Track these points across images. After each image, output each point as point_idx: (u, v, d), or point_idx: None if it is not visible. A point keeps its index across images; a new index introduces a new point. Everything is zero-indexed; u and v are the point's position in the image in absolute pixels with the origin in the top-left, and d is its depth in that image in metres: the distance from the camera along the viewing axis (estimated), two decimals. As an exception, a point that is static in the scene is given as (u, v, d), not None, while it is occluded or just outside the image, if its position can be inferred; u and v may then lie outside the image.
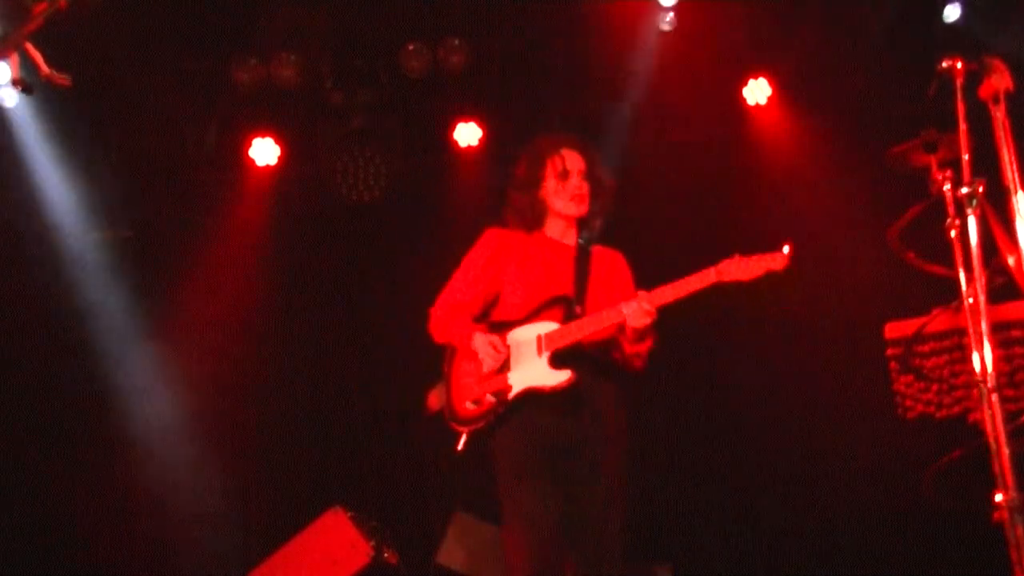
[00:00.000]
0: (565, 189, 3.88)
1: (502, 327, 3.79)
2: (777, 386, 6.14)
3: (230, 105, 6.28)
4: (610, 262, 3.97)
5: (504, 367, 3.70)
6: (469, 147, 6.27)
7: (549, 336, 3.69)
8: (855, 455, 5.90)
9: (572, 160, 3.92)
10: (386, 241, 6.57)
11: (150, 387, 6.34)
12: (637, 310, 3.58)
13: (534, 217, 3.92)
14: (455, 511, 5.49)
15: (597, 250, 3.98)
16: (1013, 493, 2.79)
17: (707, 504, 6.19)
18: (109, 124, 6.22)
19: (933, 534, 5.53)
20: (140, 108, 6.19)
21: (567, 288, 3.82)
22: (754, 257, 3.60)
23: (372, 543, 4.99)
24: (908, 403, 4.36)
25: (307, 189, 6.52)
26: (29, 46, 2.39)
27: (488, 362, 3.70)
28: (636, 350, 3.73)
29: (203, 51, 6.09)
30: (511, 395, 3.66)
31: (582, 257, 3.92)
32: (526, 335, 3.73)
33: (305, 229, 6.60)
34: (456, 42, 6.05)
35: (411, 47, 6.07)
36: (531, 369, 3.68)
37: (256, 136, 6.30)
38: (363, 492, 6.19)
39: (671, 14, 5.86)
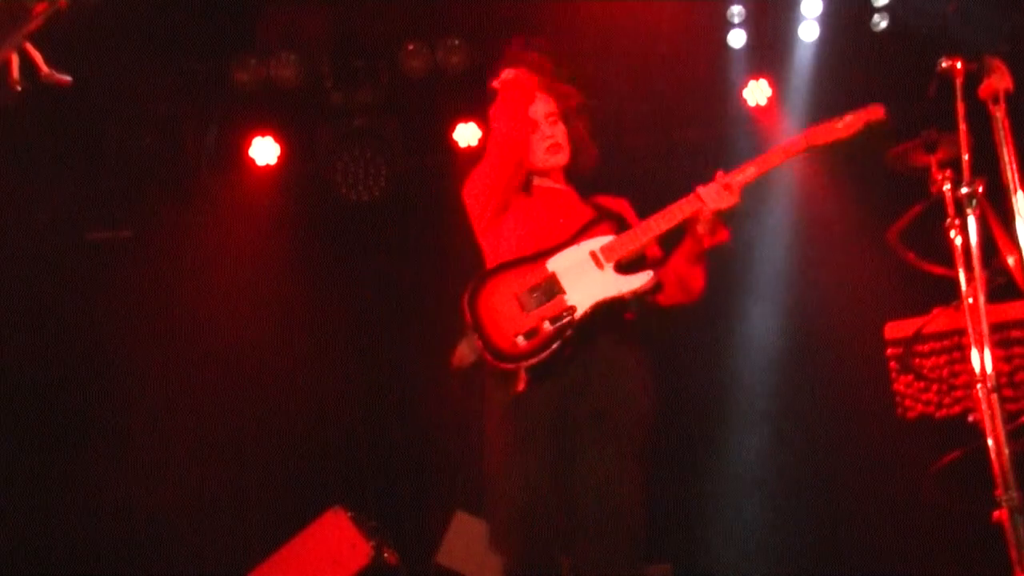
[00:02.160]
0: (537, 141, 3.54)
1: (534, 257, 3.39)
2: (777, 386, 6.15)
3: (230, 105, 6.27)
4: (619, 209, 3.57)
5: (552, 293, 3.30)
6: (469, 147, 6.27)
7: (607, 247, 3.34)
8: (855, 455, 5.90)
9: (537, 106, 3.57)
10: (386, 241, 6.58)
11: (149, 387, 6.34)
12: (718, 191, 3.27)
13: (521, 180, 3.56)
14: (455, 511, 5.49)
15: (602, 199, 3.63)
16: (1013, 493, 2.79)
17: (707, 504, 6.19)
18: (109, 124, 6.22)
19: (933, 534, 5.53)
20: (140, 108, 6.19)
21: (590, 214, 3.46)
22: (846, 115, 3.34)
23: (372, 543, 4.99)
24: (908, 403, 4.37)
25: (307, 189, 6.52)
26: (29, 46, 2.39)
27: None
28: (714, 242, 3.34)
29: (203, 51, 6.09)
30: (579, 313, 3.26)
31: (589, 201, 3.57)
32: (574, 255, 3.36)
33: (305, 229, 6.60)
34: (456, 42, 6.05)
35: (411, 47, 6.07)
36: (595, 284, 3.31)
37: (256, 136, 6.30)
38: (363, 492, 6.19)
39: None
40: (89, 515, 6.11)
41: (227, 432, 6.33)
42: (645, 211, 3.45)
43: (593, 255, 3.36)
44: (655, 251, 3.45)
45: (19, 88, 2.40)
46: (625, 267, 3.34)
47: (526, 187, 3.60)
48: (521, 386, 3.28)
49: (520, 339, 3.28)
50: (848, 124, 3.33)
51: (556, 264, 3.36)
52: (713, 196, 3.28)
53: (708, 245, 3.36)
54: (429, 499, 6.26)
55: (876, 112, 3.34)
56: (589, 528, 3.24)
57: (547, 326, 3.27)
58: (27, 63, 2.41)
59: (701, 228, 3.33)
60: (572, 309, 3.28)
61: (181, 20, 5.84)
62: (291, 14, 6.06)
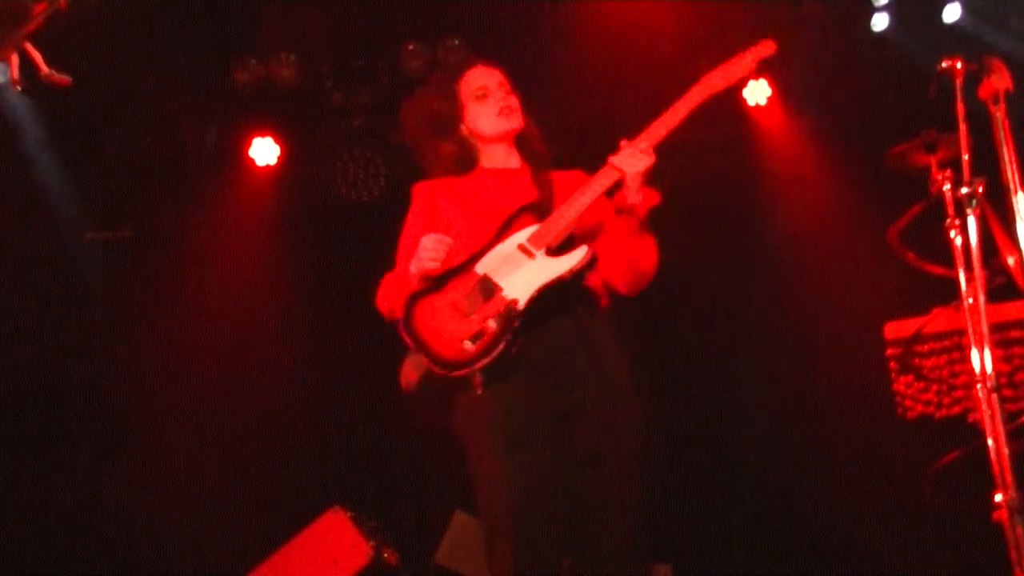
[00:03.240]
0: (488, 107, 3.41)
1: (463, 266, 3.29)
2: (777, 386, 6.15)
3: (230, 105, 6.27)
4: (574, 181, 3.36)
5: (490, 293, 3.21)
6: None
7: (534, 236, 3.23)
8: (855, 455, 5.90)
9: (484, 76, 3.46)
10: (386, 241, 6.55)
11: (149, 387, 6.34)
12: (631, 154, 3.14)
13: (465, 157, 3.45)
14: (455, 511, 5.49)
15: (555, 174, 3.45)
16: (1013, 493, 2.79)
17: (707, 504, 6.19)
18: (109, 124, 6.22)
19: (933, 534, 5.53)
20: (140, 108, 6.19)
21: (531, 199, 3.33)
22: (737, 56, 3.31)
23: (372, 543, 4.99)
24: (908, 403, 4.37)
25: (307, 189, 6.52)
26: (29, 46, 2.39)
27: (428, 253, 3.22)
28: (647, 208, 3.23)
29: (203, 51, 6.09)
30: (521, 304, 3.16)
31: (538, 179, 3.42)
32: (502, 252, 3.26)
33: (305, 229, 6.61)
34: (456, 42, 6.05)
35: (411, 47, 6.07)
36: (531, 273, 3.20)
37: (256, 136, 6.30)
38: (363, 492, 6.19)
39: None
40: (89, 515, 6.11)
41: (227, 432, 6.32)
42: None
43: (522, 247, 3.25)
44: (586, 228, 3.33)
45: (19, 88, 2.40)
46: (557, 250, 3.24)
47: (468, 166, 3.48)
48: (480, 390, 3.19)
49: (467, 343, 3.19)
50: (742, 66, 3.30)
51: (486, 266, 3.28)
52: (628, 161, 3.16)
53: (643, 213, 3.25)
54: (429, 499, 6.26)
55: (767, 48, 3.30)
56: (589, 528, 3.20)
57: (491, 325, 3.17)
58: (27, 63, 2.41)
59: (630, 197, 3.22)
60: (514, 302, 3.18)
61: (181, 20, 5.84)
62: (291, 14, 6.06)
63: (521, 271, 3.23)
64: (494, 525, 3.19)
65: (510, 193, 3.39)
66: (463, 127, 3.46)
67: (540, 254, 3.23)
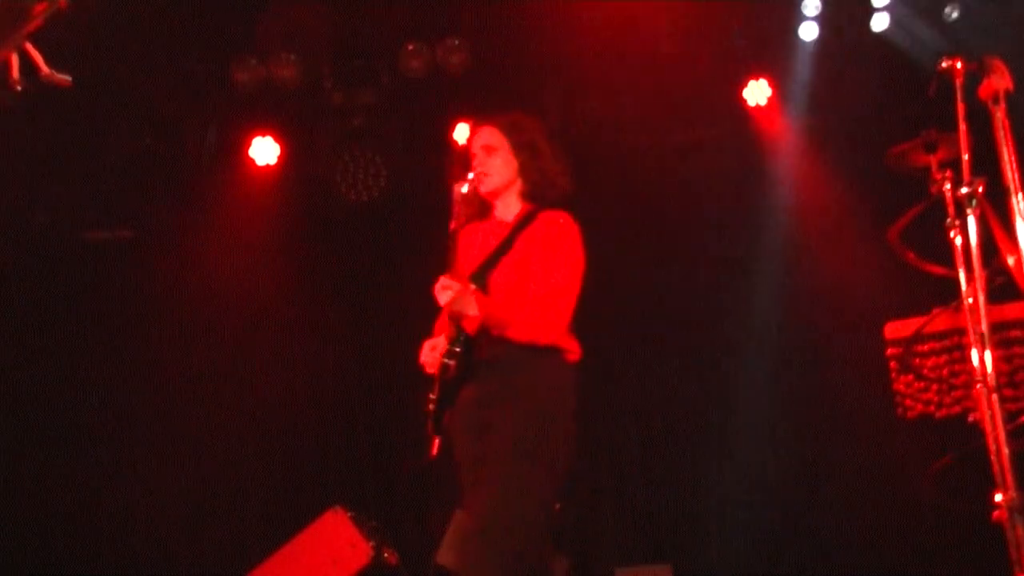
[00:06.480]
0: (473, 170, 3.73)
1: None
2: (777, 385, 6.15)
3: (230, 105, 6.27)
4: (541, 225, 3.65)
5: None
6: (469, 147, 6.26)
7: None
8: (855, 455, 5.90)
9: (475, 140, 3.78)
10: (386, 241, 6.58)
11: (149, 386, 6.34)
12: (439, 287, 3.50)
13: (481, 206, 3.81)
14: (455, 511, 5.48)
15: (543, 216, 3.70)
16: (1013, 493, 2.79)
17: (707, 503, 6.19)
18: (109, 124, 6.22)
19: (933, 534, 5.53)
20: (140, 108, 6.19)
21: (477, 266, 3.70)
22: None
23: (372, 543, 4.99)
24: (908, 403, 4.36)
25: (307, 189, 6.52)
26: (29, 46, 2.39)
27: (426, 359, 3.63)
28: (468, 330, 3.55)
29: (203, 51, 6.09)
30: (433, 393, 3.60)
31: (519, 227, 3.68)
32: None
33: (305, 229, 6.60)
34: (456, 42, 6.05)
35: (411, 47, 6.07)
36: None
37: (256, 136, 6.30)
38: (363, 492, 6.19)
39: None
40: (89, 515, 6.11)
41: (227, 432, 6.33)
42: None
43: None
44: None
45: (19, 88, 2.40)
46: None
47: (485, 213, 3.81)
48: (433, 452, 3.64)
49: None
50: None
51: None
52: (439, 294, 3.49)
53: (470, 332, 3.52)
54: (429, 499, 6.26)
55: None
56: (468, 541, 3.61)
57: (431, 396, 3.59)
58: (27, 63, 2.41)
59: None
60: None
61: (181, 20, 5.84)
62: (291, 14, 6.05)
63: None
64: None
65: (485, 249, 3.70)
66: None
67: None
